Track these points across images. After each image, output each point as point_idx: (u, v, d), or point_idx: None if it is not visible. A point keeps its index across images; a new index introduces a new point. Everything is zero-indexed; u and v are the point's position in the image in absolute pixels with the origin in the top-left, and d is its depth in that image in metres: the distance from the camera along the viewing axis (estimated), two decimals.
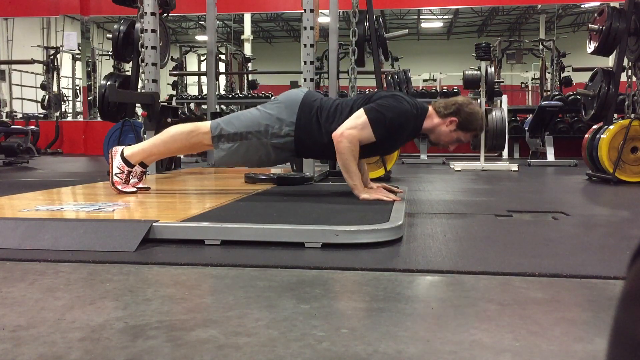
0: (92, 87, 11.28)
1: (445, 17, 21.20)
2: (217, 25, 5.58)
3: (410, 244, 1.78)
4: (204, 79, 12.20)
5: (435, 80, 16.64)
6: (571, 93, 8.58)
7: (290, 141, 2.49)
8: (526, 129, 7.90)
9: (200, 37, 19.33)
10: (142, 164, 2.62)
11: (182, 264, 1.51)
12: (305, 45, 3.59)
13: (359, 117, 2.41)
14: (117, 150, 2.57)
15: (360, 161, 2.62)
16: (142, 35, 3.91)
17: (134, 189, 2.56)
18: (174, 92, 12.33)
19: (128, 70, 6.74)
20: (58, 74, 12.37)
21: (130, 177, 2.60)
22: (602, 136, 4.19)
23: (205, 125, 2.54)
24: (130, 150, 2.56)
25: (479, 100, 6.03)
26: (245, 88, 12.66)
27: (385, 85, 5.19)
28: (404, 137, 2.55)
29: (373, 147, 2.49)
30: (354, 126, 2.39)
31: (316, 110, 2.49)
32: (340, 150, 2.38)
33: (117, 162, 2.54)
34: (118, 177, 2.55)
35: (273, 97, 2.74)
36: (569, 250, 1.75)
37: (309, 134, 2.48)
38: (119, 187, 2.54)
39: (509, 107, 8.83)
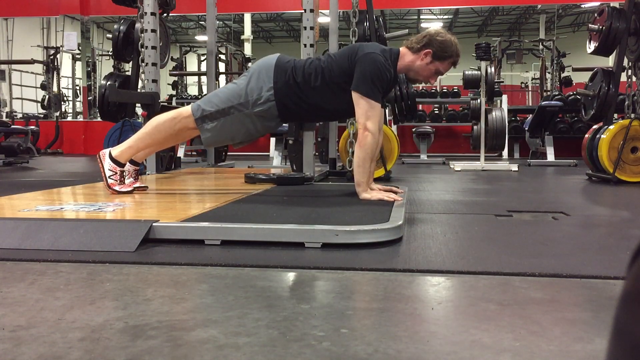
0: (92, 87, 11.28)
1: (445, 17, 21.19)
2: (217, 25, 5.58)
3: (410, 244, 1.78)
4: (204, 79, 12.20)
5: None
6: (571, 93, 8.58)
7: (273, 106, 2.48)
8: (526, 129, 7.90)
9: (200, 37, 19.32)
10: (134, 162, 2.61)
11: (182, 264, 1.51)
12: (305, 45, 3.59)
13: (360, 98, 2.40)
14: (104, 153, 2.57)
15: (372, 161, 2.61)
16: (142, 35, 3.91)
17: (131, 188, 2.56)
18: (174, 92, 12.35)
19: (128, 70, 6.74)
20: (58, 74, 12.37)
21: (125, 177, 2.60)
22: (602, 136, 4.18)
23: (187, 109, 2.54)
24: (117, 150, 2.56)
25: (479, 100, 6.03)
26: None
27: None
28: (388, 87, 2.55)
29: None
30: (366, 114, 2.38)
31: (291, 71, 2.49)
32: (364, 144, 2.38)
33: (107, 164, 2.54)
34: (112, 179, 2.55)
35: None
36: (569, 250, 1.75)
37: (289, 95, 2.48)
38: (116, 188, 2.54)
39: (509, 107, 8.83)
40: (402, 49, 2.53)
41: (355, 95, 2.42)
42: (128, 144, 2.57)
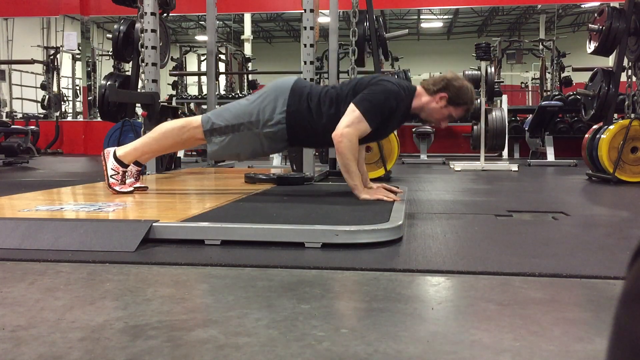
0: (92, 87, 11.28)
1: (445, 17, 21.19)
2: (217, 25, 5.58)
3: (410, 244, 1.78)
4: (204, 79, 12.19)
5: None
6: (571, 93, 8.58)
7: (283, 129, 2.46)
8: (526, 129, 7.91)
9: (200, 37, 19.32)
10: (137, 163, 2.61)
11: (182, 264, 1.51)
12: (305, 45, 3.59)
13: (353, 111, 2.40)
14: (109, 151, 2.57)
15: (360, 161, 2.63)
16: (142, 35, 3.91)
17: (131, 189, 2.56)
18: (174, 92, 12.34)
19: (128, 70, 6.74)
20: (58, 74, 12.37)
21: (126, 177, 2.60)
22: (602, 136, 4.19)
23: (196, 119, 2.53)
24: (122, 151, 2.56)
25: (478, 100, 6.03)
26: (245, 88, 12.65)
27: None
28: (395, 120, 2.54)
29: (369, 134, 2.49)
30: (350, 123, 2.38)
31: (307, 96, 2.47)
32: (341, 150, 2.38)
33: (110, 163, 2.54)
34: (114, 178, 2.55)
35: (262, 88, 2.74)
36: (569, 250, 1.75)
37: (301, 121, 2.46)
38: (117, 188, 2.54)
39: (509, 107, 8.83)
40: (419, 88, 2.52)
41: (350, 107, 2.41)
42: (134, 145, 2.57)
